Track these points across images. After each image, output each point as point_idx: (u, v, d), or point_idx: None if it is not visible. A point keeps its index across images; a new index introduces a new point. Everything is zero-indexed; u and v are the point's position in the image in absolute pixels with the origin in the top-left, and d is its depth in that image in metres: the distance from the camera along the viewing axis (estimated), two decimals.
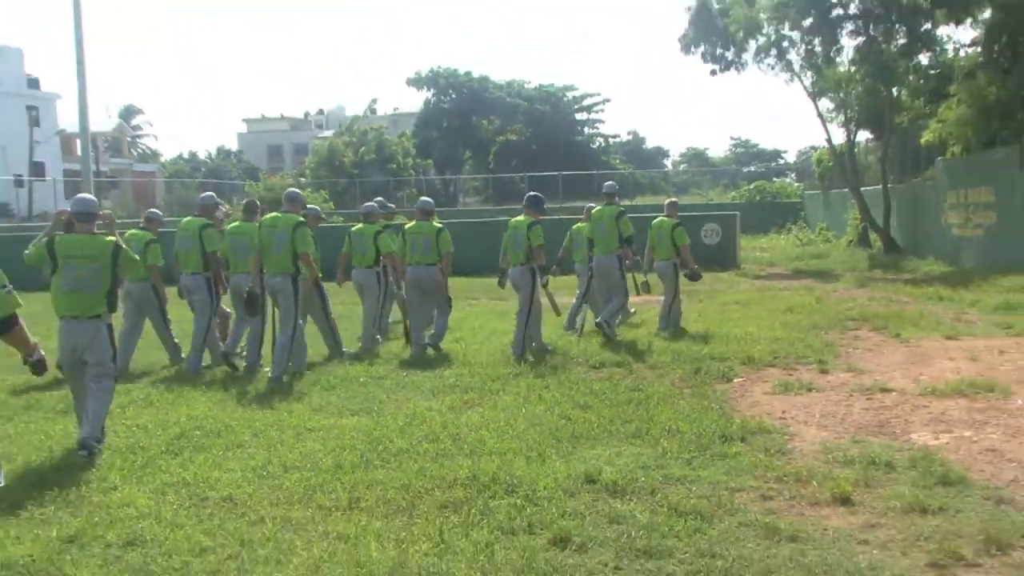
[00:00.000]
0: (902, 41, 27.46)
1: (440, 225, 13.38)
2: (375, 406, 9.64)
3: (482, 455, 7.49)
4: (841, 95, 31.10)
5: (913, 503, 6.18)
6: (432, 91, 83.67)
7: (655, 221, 15.27)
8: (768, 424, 8.46)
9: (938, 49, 28.36)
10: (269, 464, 7.46)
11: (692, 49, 31.12)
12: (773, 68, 30.39)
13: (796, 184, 61.31)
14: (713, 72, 31.39)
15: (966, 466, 7.09)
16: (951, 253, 25.59)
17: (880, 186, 30.95)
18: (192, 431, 8.63)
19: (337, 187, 61.13)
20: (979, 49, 24.70)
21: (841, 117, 32.68)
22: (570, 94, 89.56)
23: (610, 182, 14.97)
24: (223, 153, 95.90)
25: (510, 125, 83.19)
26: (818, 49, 28.86)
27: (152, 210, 13.33)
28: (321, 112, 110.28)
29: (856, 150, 35.71)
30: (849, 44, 28.72)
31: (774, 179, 66.35)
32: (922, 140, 25.27)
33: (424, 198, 13.88)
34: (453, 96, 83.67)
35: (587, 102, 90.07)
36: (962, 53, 27.93)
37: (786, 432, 8.26)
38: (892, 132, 30.69)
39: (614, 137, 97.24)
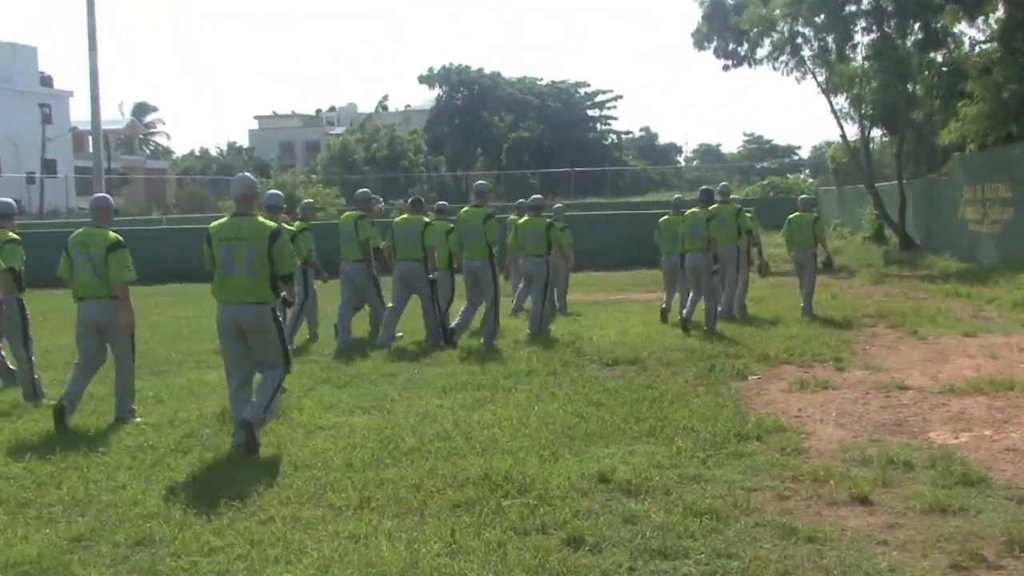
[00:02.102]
0: (917, 37, 27.31)
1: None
2: (386, 404, 9.58)
3: (494, 454, 7.43)
4: (855, 91, 30.93)
5: (933, 503, 6.09)
6: (444, 88, 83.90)
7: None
8: (784, 422, 8.38)
9: (952, 45, 28.19)
10: (279, 463, 7.40)
11: (705, 44, 31.10)
12: (787, 64, 30.31)
13: (810, 180, 61.21)
14: (726, 67, 31.37)
15: (987, 465, 7.00)
16: (968, 249, 25.45)
17: (895, 182, 30.89)
18: (202, 429, 8.59)
19: (349, 184, 61.21)
20: (995, 45, 24.57)
21: (855, 113, 32.56)
22: (582, 91, 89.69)
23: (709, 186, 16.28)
24: (234, 150, 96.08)
25: (522, 122, 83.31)
26: (831, 45, 28.73)
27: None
28: (333, 109, 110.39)
29: (871, 146, 35.65)
30: (863, 40, 28.65)
31: (788, 175, 66.23)
32: (942, 141, 25.16)
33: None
34: (464, 93, 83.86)
35: (599, 99, 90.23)
36: (977, 50, 27.77)
37: (802, 431, 8.18)
38: (907, 128, 30.57)
39: (627, 134, 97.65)
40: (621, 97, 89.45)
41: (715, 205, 15.04)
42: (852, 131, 33.91)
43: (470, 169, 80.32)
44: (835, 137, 54.75)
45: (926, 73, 28.21)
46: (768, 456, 7.31)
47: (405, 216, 13.65)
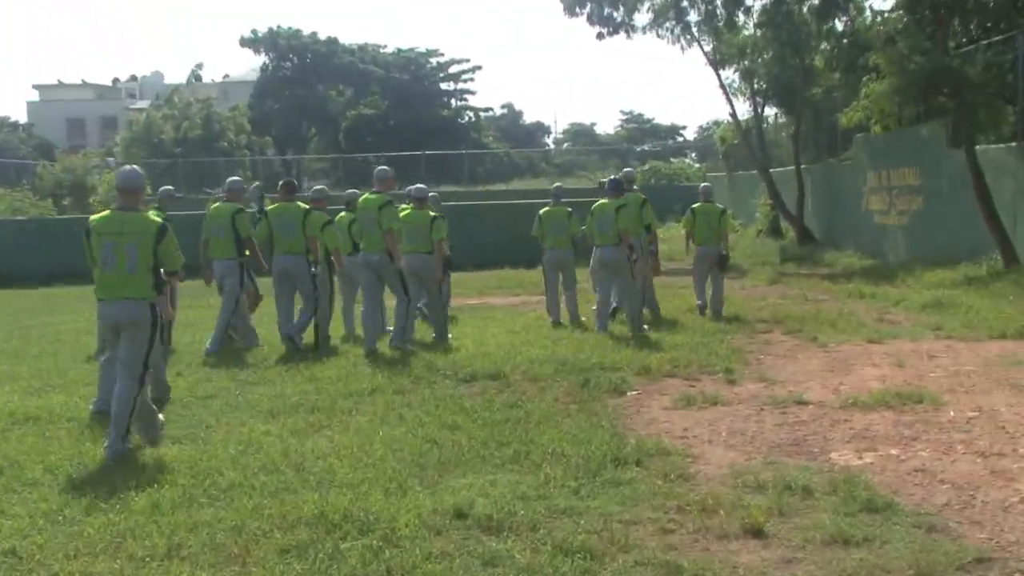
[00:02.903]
0: (814, 2, 28.07)
1: (434, 214, 14.96)
2: (202, 432, 9.40)
3: (331, 488, 7.36)
4: (746, 63, 31.75)
5: (835, 534, 6.28)
6: (270, 55, 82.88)
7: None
8: (668, 445, 8.52)
9: (854, 12, 29.07)
10: (67, 507, 7.18)
11: (577, 10, 31.27)
12: (671, 32, 30.89)
13: (697, 165, 62.48)
14: (600, 36, 31.63)
15: (893, 489, 7.25)
16: (873, 244, 26.32)
17: (792, 167, 31.67)
18: None
19: (156, 168, 59.70)
20: (900, 13, 25.42)
21: (747, 89, 33.38)
22: (434, 60, 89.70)
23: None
24: (8, 126, 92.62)
25: (363, 96, 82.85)
26: (720, 11, 29.42)
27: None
28: (134, 79, 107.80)
29: (765, 126, 36.56)
30: (755, 5, 29.40)
31: (671, 159, 67.59)
32: (844, 122, 25.89)
33: (419, 185, 15.61)
34: (296, 61, 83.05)
35: (454, 69, 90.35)
36: (880, 19, 28.68)
37: (689, 454, 8.34)
38: (805, 106, 31.44)
39: (486, 111, 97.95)
40: (479, 68, 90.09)
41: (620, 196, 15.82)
42: (743, 109, 34.94)
43: (303, 152, 79.63)
44: (724, 116, 56.01)
45: (825, 44, 29.12)
46: (649, 484, 7.42)
47: (278, 205, 14.42)
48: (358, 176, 60.84)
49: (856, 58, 26.30)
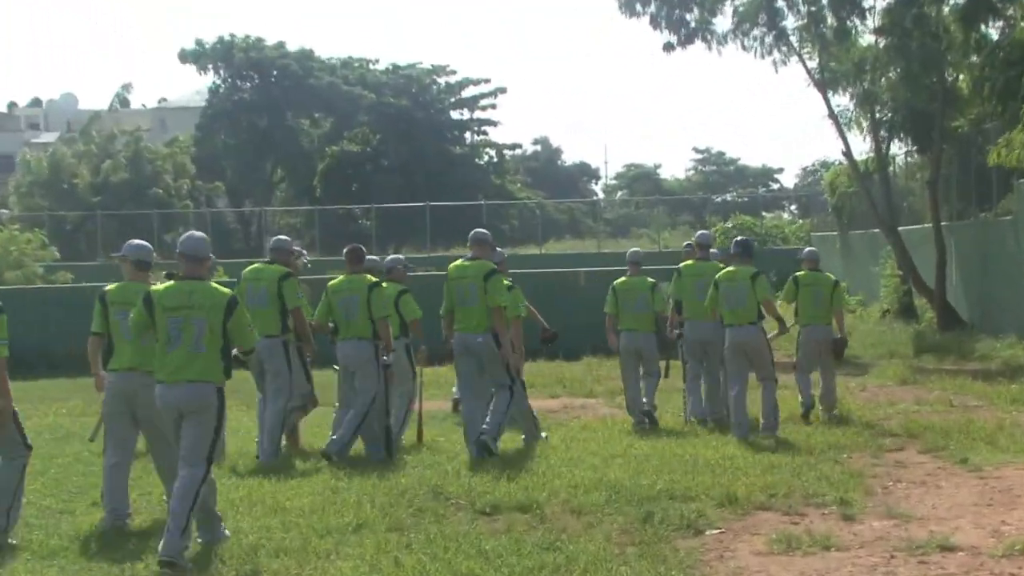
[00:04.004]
0: (958, 1, 28.10)
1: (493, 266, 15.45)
2: None
3: None
4: (865, 84, 31.68)
5: None
6: (222, 73, 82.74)
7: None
8: None
9: (1015, 16, 28.96)
10: None
11: (638, 7, 31.23)
12: (760, 41, 31.00)
13: (799, 221, 62.37)
14: (669, 46, 31.73)
15: None
16: None
17: (929, 225, 31.47)
18: None
19: (64, 224, 60.19)
20: None
21: (866, 119, 33.32)
22: (442, 80, 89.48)
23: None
24: None
25: (347, 128, 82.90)
26: (828, 14, 29.54)
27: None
28: (38, 103, 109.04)
29: (891, 169, 36.39)
30: (876, 4, 29.48)
31: (764, 213, 67.50)
32: (1000, 162, 25.66)
33: (478, 229, 16.11)
34: (256, 81, 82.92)
35: (469, 92, 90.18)
36: None
37: None
38: (946, 142, 31.30)
39: (513, 148, 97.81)
40: (503, 91, 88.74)
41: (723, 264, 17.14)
42: (861, 146, 34.80)
43: (266, 202, 79.39)
44: (835, 156, 56.11)
45: (974, 58, 29.03)
46: None
47: (342, 279, 15.59)
48: (339, 236, 60.78)
49: (1017, 77, 26.23)
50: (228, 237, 70.16)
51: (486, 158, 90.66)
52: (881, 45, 30.14)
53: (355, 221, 71.33)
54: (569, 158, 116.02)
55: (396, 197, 68.31)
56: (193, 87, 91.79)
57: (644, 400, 17.39)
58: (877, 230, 34.46)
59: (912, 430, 16.07)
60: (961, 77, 30.12)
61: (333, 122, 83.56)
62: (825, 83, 31.94)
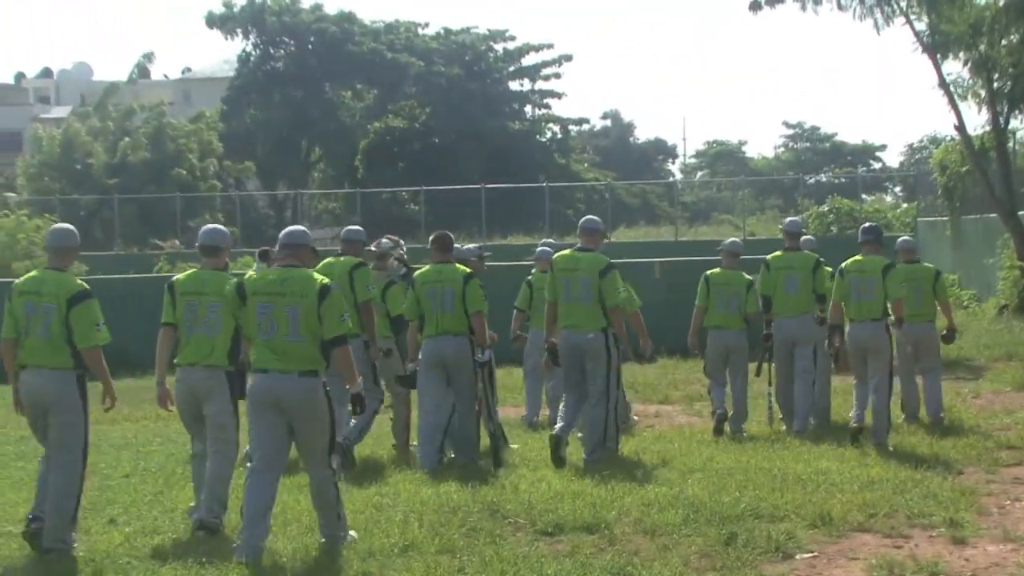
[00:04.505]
0: None
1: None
2: None
3: None
4: (982, 48, 31.52)
5: None
6: (253, 39, 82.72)
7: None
8: None
9: None
10: None
11: None
12: (860, 1, 30.93)
13: (903, 205, 61.93)
14: (756, 5, 31.77)
15: None
16: None
17: None
18: None
19: (78, 208, 60.43)
20: None
21: (983, 89, 33.13)
22: (500, 47, 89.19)
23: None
24: None
25: (392, 100, 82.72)
26: None
27: None
28: (48, 74, 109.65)
29: (1011, 146, 36.13)
30: None
31: (864, 196, 67.05)
32: None
33: (589, 216, 16.68)
34: (292, 48, 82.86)
35: (530, 60, 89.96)
36: None
37: None
38: None
39: (580, 124, 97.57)
40: (568, 59, 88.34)
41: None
42: (977, 120, 34.58)
43: (302, 184, 79.32)
44: (946, 131, 55.63)
45: None
46: None
47: (429, 269, 15.94)
48: (383, 222, 60.69)
49: None
50: (260, 223, 70.26)
51: (549, 134, 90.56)
52: (1000, 3, 29.97)
53: (401, 205, 71.38)
54: (643, 134, 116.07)
55: (447, 178, 67.83)
56: (221, 56, 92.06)
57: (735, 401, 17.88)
58: (994, 215, 34.24)
59: None
60: None
61: (377, 94, 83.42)
62: (935, 47, 31.76)
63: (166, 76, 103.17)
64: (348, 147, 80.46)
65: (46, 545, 11.32)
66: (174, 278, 12.60)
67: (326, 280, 11.38)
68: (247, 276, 11.62)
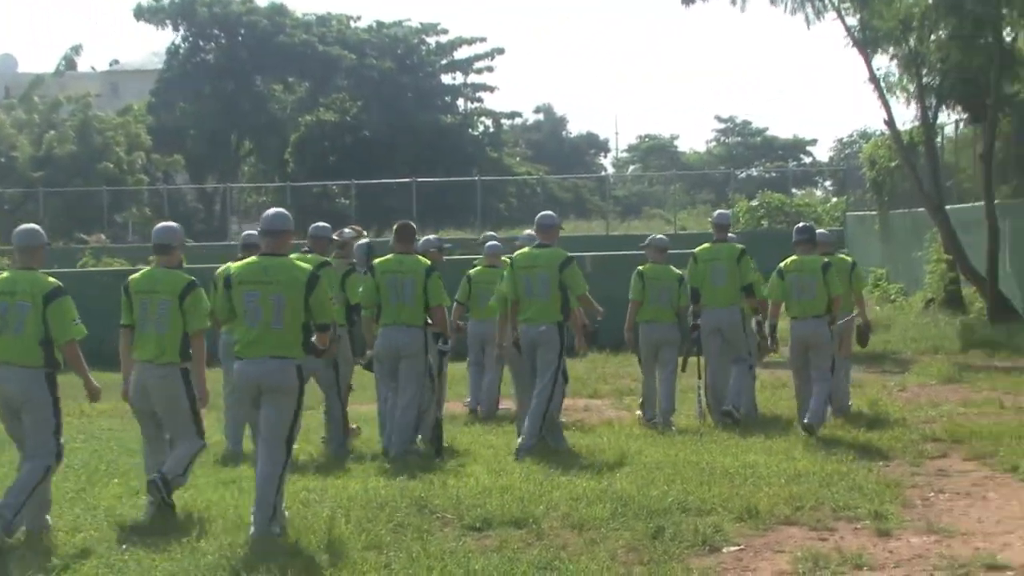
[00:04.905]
0: None
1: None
2: None
3: None
4: (911, 43, 31.66)
5: None
6: (183, 31, 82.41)
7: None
8: None
9: None
10: None
11: None
12: None
13: (833, 199, 62.31)
14: (688, 0, 31.82)
15: None
16: None
17: (981, 203, 31.45)
18: None
19: (2, 202, 60.02)
20: None
21: (912, 84, 33.27)
22: (432, 40, 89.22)
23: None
24: None
25: (324, 94, 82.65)
26: None
27: None
28: None
29: (939, 141, 36.34)
30: None
31: (794, 190, 67.39)
32: None
33: (545, 212, 17.32)
34: (222, 41, 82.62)
35: (463, 54, 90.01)
36: None
37: None
38: (1002, 109, 31.25)
39: (512, 117, 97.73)
40: (501, 52, 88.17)
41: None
42: (906, 115, 34.80)
43: (232, 178, 79.05)
44: (876, 126, 56.02)
45: None
46: None
47: (391, 258, 16.10)
48: (313, 216, 60.34)
49: None
50: (188, 217, 69.84)
51: (481, 128, 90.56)
52: (930, 0, 30.12)
53: (332, 199, 71.09)
54: (575, 128, 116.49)
55: (378, 172, 67.86)
56: (149, 48, 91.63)
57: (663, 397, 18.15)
58: (922, 209, 34.41)
59: (957, 435, 16.11)
60: (1020, 36, 30.07)
61: (308, 87, 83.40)
62: (866, 43, 31.92)
63: (93, 68, 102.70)
64: (279, 140, 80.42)
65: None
66: (129, 278, 12.78)
67: (310, 268, 12.08)
68: (229, 265, 12.37)
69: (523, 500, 12.35)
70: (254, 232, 15.49)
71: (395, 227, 16.39)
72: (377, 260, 16.20)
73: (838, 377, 17.80)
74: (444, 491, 13.00)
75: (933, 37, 31.16)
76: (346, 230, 17.83)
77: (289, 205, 62.81)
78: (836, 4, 31.12)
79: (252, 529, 11.26)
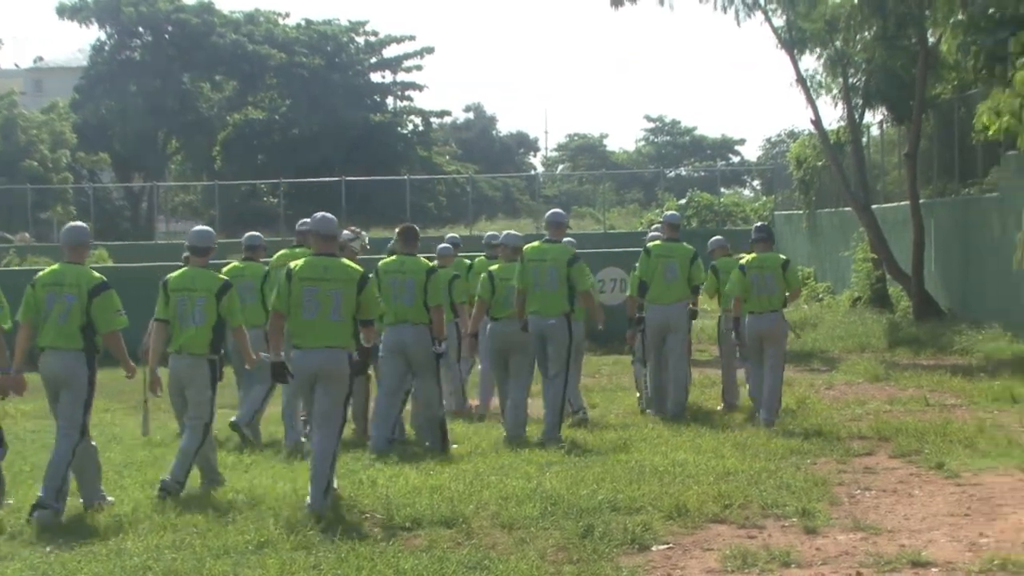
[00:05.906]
0: None
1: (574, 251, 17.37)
2: None
3: None
4: (837, 44, 31.84)
5: None
6: (108, 28, 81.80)
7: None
8: None
9: None
10: None
11: None
12: None
13: (762, 198, 62.57)
14: (616, 1, 31.80)
15: None
16: None
17: (906, 203, 31.62)
18: None
19: None
20: None
21: (838, 85, 33.47)
22: (361, 38, 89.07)
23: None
24: None
25: (252, 92, 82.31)
26: None
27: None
28: None
29: (865, 140, 36.54)
30: None
31: (723, 190, 67.67)
32: (982, 126, 25.55)
33: (555, 210, 18.22)
34: (148, 38, 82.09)
35: (391, 52, 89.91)
36: None
37: None
38: (926, 110, 31.43)
39: (441, 116, 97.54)
40: (430, 51, 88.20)
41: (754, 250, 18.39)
42: (833, 115, 34.96)
43: (158, 177, 78.56)
44: (803, 126, 56.28)
45: (959, 16, 29.09)
46: None
47: (395, 259, 16.61)
48: (241, 215, 60.08)
49: (1006, 38, 26.26)
50: (114, 215, 69.56)
51: (410, 127, 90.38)
52: (855, 1, 30.27)
53: (260, 198, 70.98)
54: (505, 127, 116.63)
55: (307, 171, 67.74)
56: (74, 45, 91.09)
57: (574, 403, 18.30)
58: (848, 208, 34.67)
59: (883, 432, 16.23)
60: (944, 38, 30.22)
61: (236, 85, 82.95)
62: (793, 43, 32.09)
63: (17, 65, 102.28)
64: (206, 139, 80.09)
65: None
66: (167, 276, 14.14)
67: (361, 270, 13.12)
68: (291, 264, 13.32)
69: (453, 500, 12.35)
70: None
71: (398, 230, 16.87)
72: (381, 262, 16.61)
73: (730, 372, 19.08)
74: (373, 491, 13.00)
75: (859, 38, 31.36)
76: (345, 232, 17.81)
77: (217, 204, 62.82)
78: (763, 5, 31.22)
79: (308, 501, 12.21)
